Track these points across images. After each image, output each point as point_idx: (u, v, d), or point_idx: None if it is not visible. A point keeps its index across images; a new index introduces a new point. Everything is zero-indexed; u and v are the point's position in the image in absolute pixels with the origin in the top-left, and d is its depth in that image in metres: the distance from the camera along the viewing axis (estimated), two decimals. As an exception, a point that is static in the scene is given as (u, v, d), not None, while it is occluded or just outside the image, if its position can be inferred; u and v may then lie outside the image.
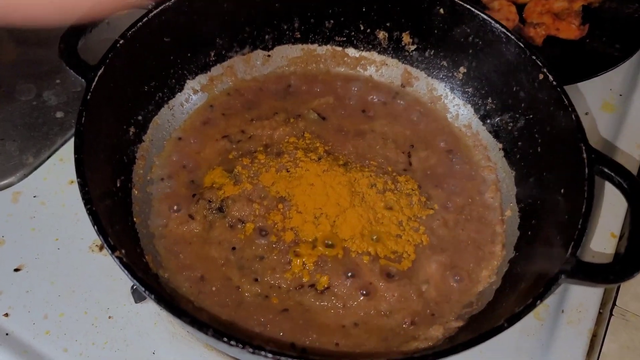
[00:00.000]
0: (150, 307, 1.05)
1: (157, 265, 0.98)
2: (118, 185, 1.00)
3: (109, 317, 1.04)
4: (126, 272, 0.78)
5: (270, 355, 0.73)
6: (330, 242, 1.00)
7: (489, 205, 1.12)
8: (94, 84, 0.94)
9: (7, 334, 1.00)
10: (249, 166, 1.08)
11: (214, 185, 1.07)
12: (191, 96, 1.21)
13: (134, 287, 1.04)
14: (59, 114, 1.29)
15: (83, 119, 0.90)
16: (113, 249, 0.80)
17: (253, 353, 0.73)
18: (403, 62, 1.28)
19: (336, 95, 1.27)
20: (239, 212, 1.03)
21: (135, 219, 1.01)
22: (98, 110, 0.94)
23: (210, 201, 1.04)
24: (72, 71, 0.97)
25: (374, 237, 1.01)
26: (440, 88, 1.26)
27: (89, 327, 1.02)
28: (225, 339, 0.73)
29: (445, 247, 1.05)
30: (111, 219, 0.89)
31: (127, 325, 1.03)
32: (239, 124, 1.19)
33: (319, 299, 0.96)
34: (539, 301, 0.79)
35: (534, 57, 1.06)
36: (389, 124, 1.22)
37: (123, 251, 0.81)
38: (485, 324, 0.86)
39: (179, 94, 1.19)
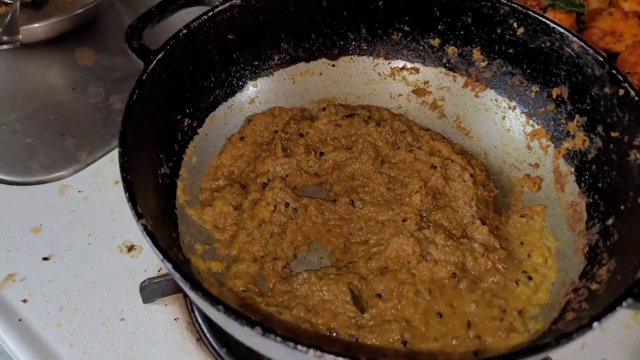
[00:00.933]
0: (165, 316, 1.02)
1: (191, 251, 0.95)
2: (163, 170, 0.99)
3: (121, 319, 1.01)
4: (148, 238, 0.75)
5: (279, 339, 0.65)
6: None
7: None
8: (151, 66, 0.96)
9: (20, 320, 1.00)
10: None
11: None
12: (256, 97, 1.20)
13: (144, 283, 1.02)
14: (120, 118, 1.32)
15: (135, 96, 0.91)
16: (139, 216, 0.77)
17: (263, 335, 0.66)
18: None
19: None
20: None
21: (177, 204, 0.99)
22: (152, 92, 0.95)
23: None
24: (133, 54, 1.00)
25: None
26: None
27: (99, 325, 1.00)
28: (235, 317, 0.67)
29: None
30: (146, 194, 0.88)
31: (137, 331, 1.00)
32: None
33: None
34: (596, 323, 0.68)
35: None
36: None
37: (151, 222, 0.78)
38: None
39: (239, 93, 1.18)
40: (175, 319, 1.01)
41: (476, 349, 0.89)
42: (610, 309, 0.70)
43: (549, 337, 0.71)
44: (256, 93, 1.21)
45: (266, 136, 1.17)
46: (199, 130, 1.11)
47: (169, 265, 0.73)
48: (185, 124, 1.07)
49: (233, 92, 1.18)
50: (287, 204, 1.05)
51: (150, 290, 1.02)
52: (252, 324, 0.68)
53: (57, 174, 1.22)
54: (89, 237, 1.11)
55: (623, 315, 1.05)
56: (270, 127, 1.18)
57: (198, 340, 1.00)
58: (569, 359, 1.00)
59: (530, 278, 0.98)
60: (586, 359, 1.01)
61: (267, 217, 1.03)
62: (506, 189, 1.15)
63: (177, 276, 0.73)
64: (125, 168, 0.82)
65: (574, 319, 0.84)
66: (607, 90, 1.00)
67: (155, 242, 0.75)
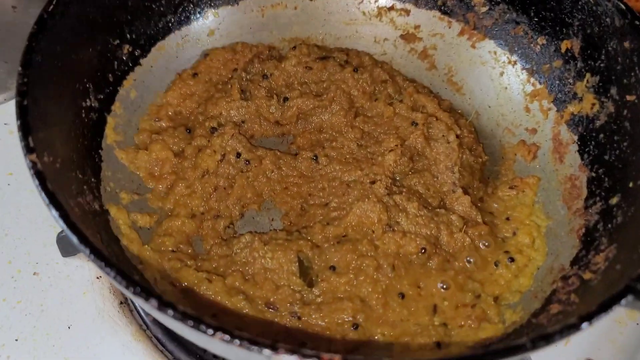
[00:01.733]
0: (85, 273, 0.88)
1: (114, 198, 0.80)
2: (90, 102, 0.83)
3: (34, 273, 0.87)
4: (35, 179, 0.60)
5: (178, 316, 0.51)
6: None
7: None
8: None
9: None
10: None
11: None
12: (217, 28, 1.03)
13: (62, 233, 0.86)
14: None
15: (52, 6, 0.75)
16: (29, 150, 0.62)
17: (158, 309, 0.52)
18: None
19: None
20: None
21: (103, 144, 0.84)
22: (80, 8, 0.80)
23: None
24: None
25: None
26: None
27: (7, 279, 0.86)
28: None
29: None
30: (55, 128, 0.72)
31: (50, 288, 0.86)
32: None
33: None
34: (585, 323, 0.53)
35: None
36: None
37: (58, 160, 0.63)
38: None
39: (196, 22, 1.01)
40: (97, 277, 0.87)
41: (440, 340, 0.74)
42: (605, 307, 0.56)
43: (524, 336, 0.57)
44: (217, 24, 1.04)
45: (223, 75, 1.01)
46: (142, 61, 0.95)
47: (55, 214, 0.58)
48: (125, 51, 0.91)
49: (188, 20, 1.01)
50: (238, 154, 0.90)
51: (71, 244, 0.87)
52: (147, 295, 0.53)
53: (-23, 103, 1.05)
54: (9, 176, 0.96)
55: (616, 310, 0.90)
56: (229, 65, 1.01)
57: (121, 303, 0.86)
58: (549, 355, 0.86)
59: (512, 260, 0.83)
60: (569, 357, 0.87)
61: (213, 168, 0.88)
62: (497, 155, 1.00)
63: (67, 230, 0.58)
64: (22, 91, 0.67)
65: (558, 313, 0.70)
66: (626, 45, 0.83)
67: (43, 185, 0.60)
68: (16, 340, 0.81)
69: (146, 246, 0.78)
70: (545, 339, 0.53)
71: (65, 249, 0.87)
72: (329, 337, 0.73)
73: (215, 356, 0.84)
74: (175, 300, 0.72)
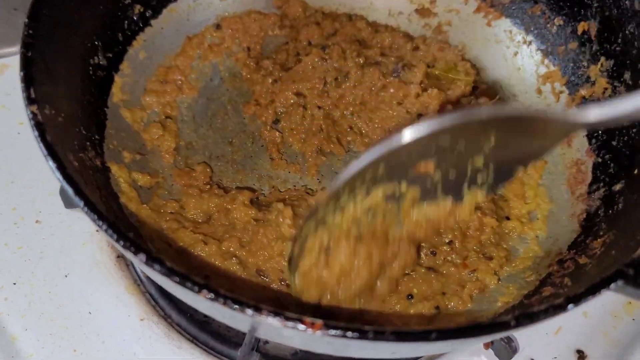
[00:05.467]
0: (86, 225, 0.89)
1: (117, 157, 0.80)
2: (97, 60, 0.83)
3: (36, 222, 0.88)
4: (35, 130, 0.60)
5: (164, 271, 0.52)
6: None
7: None
8: None
9: None
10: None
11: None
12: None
13: None
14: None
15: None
16: (31, 101, 0.62)
17: (145, 264, 0.53)
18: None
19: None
20: None
21: (109, 103, 0.84)
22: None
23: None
24: None
25: None
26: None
27: (10, 225, 0.88)
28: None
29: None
30: (61, 82, 0.73)
31: (51, 236, 0.87)
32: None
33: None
34: (571, 305, 0.52)
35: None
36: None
37: (52, 112, 0.64)
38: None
39: (209, -15, 1.00)
40: (96, 230, 0.89)
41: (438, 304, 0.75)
42: (593, 290, 0.55)
43: (510, 314, 0.56)
44: (229, -11, 1.02)
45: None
46: (152, 22, 0.94)
47: (52, 165, 0.59)
48: (136, 11, 0.91)
49: (201, -18, 1.00)
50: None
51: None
52: (136, 249, 0.54)
53: (1, 51, 1.06)
54: (20, 126, 0.97)
55: (612, 301, 0.90)
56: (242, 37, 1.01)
57: (118, 257, 0.88)
58: (538, 344, 0.86)
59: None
60: (558, 346, 0.86)
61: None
62: (504, 136, 0.98)
63: (62, 181, 0.59)
64: (28, 44, 0.67)
65: (550, 296, 0.69)
66: (645, 29, 0.81)
67: (43, 136, 0.60)
68: (14, 283, 0.83)
69: (145, 205, 0.78)
70: (529, 317, 0.53)
71: (68, 200, 0.88)
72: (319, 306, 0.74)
73: (205, 315, 0.85)
74: (170, 259, 0.74)
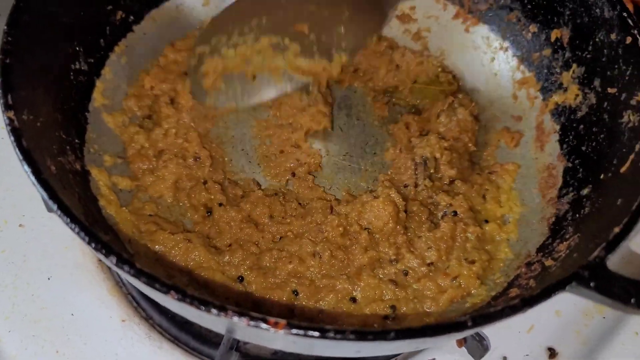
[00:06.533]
0: (68, 229, 0.89)
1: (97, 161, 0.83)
2: (79, 65, 0.85)
3: (20, 225, 0.91)
4: (10, 135, 0.62)
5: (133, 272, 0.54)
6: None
7: None
8: None
9: None
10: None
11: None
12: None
13: None
14: None
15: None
16: (7, 107, 0.64)
17: (116, 265, 0.54)
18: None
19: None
20: None
21: (90, 107, 0.86)
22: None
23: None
24: None
25: None
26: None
27: (-8, 228, 0.89)
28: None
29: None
30: (41, 87, 0.75)
31: (34, 240, 0.89)
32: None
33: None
34: (526, 306, 0.55)
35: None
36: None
37: (29, 117, 0.66)
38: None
39: (190, -8, 1.02)
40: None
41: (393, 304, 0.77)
42: (548, 291, 0.57)
43: (468, 315, 0.58)
44: (209, -3, 1.05)
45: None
46: (135, 28, 0.96)
47: (27, 169, 0.61)
48: (118, 17, 0.93)
49: (182, -12, 1.02)
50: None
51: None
52: (107, 251, 0.56)
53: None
54: (2, 130, 0.98)
55: (584, 301, 0.90)
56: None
57: (100, 260, 0.89)
58: (510, 342, 0.88)
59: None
60: (530, 344, 0.88)
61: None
62: (480, 140, 1.00)
63: (37, 185, 0.61)
64: (7, 50, 0.68)
65: (515, 297, 0.71)
66: (613, 36, 0.83)
67: (19, 142, 0.62)
68: (-2, 286, 0.85)
69: (124, 208, 0.80)
70: (485, 317, 0.55)
71: (50, 205, 0.90)
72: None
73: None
74: (149, 262, 0.76)
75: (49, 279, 0.86)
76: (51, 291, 0.86)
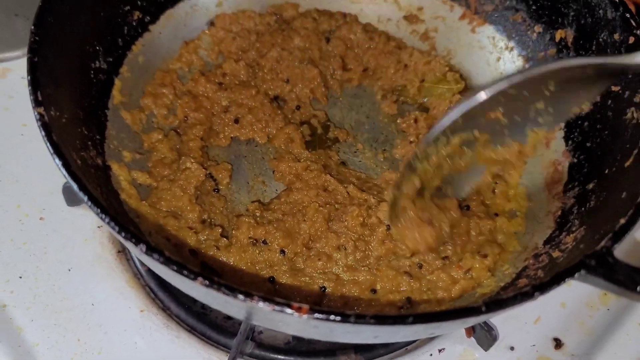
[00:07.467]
0: (88, 221, 0.93)
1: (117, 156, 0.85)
2: (99, 64, 0.87)
3: (40, 218, 0.93)
4: (41, 130, 0.65)
5: (161, 259, 0.56)
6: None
7: None
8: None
9: None
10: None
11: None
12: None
13: (66, 184, 0.92)
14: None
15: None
16: (37, 103, 0.67)
17: (145, 253, 0.57)
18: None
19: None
20: None
21: (109, 104, 0.89)
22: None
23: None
24: None
25: None
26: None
27: (15, 221, 0.92)
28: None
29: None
30: (65, 85, 0.77)
31: (54, 233, 0.92)
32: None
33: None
34: (537, 292, 0.57)
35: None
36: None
37: (56, 113, 0.69)
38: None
39: (204, -8, 1.05)
40: (98, 227, 0.93)
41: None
42: (558, 279, 0.60)
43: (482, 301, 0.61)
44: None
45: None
46: (151, 27, 0.99)
47: (58, 162, 0.63)
48: (135, 17, 0.95)
49: (197, -12, 1.04)
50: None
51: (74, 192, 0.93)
52: (137, 240, 0.58)
53: (2, 55, 1.11)
54: (24, 127, 1.02)
55: (588, 293, 0.94)
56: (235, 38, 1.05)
57: (119, 252, 0.92)
58: (517, 332, 0.91)
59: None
60: (536, 335, 0.91)
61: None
62: (487, 138, 1.03)
63: (68, 178, 0.63)
64: (34, 49, 0.71)
65: (524, 287, 0.74)
66: (616, 36, 0.86)
67: (49, 136, 0.65)
68: (20, 277, 0.88)
69: (144, 202, 0.83)
70: (499, 303, 0.58)
71: (70, 198, 0.93)
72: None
73: (203, 307, 0.90)
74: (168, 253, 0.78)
75: (69, 270, 0.89)
76: (71, 282, 0.88)
